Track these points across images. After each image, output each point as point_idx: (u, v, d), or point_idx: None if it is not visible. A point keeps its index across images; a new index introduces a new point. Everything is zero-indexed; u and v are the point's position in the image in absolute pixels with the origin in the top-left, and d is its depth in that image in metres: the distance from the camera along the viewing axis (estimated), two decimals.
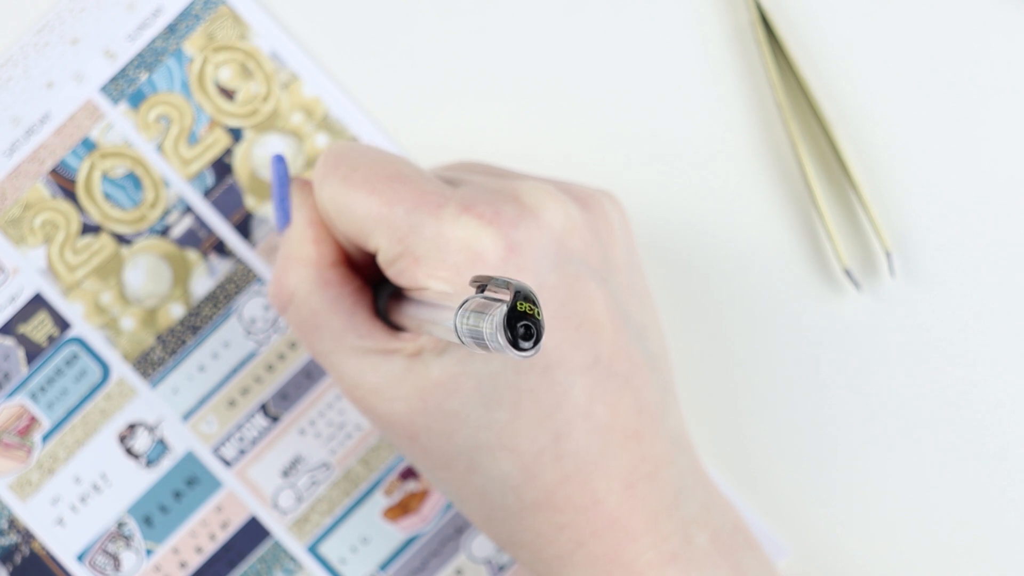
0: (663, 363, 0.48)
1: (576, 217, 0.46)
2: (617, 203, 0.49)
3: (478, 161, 0.51)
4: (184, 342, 0.55)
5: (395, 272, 0.46)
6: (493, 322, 0.35)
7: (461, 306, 0.36)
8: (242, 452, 0.55)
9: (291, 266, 0.48)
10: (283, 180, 0.50)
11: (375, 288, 0.50)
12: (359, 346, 0.47)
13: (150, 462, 0.55)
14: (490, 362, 0.45)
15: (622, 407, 0.46)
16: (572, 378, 0.45)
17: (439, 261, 0.45)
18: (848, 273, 0.54)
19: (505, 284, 0.36)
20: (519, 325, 0.35)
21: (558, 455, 0.46)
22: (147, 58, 0.55)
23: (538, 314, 0.35)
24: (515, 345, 0.35)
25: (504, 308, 0.35)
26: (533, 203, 0.46)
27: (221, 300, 0.55)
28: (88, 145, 0.55)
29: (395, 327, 0.48)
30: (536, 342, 0.35)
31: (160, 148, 0.55)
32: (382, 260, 0.47)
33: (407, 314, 0.45)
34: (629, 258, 0.48)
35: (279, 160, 0.50)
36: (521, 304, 0.35)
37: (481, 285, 0.37)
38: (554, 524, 0.46)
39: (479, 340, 0.36)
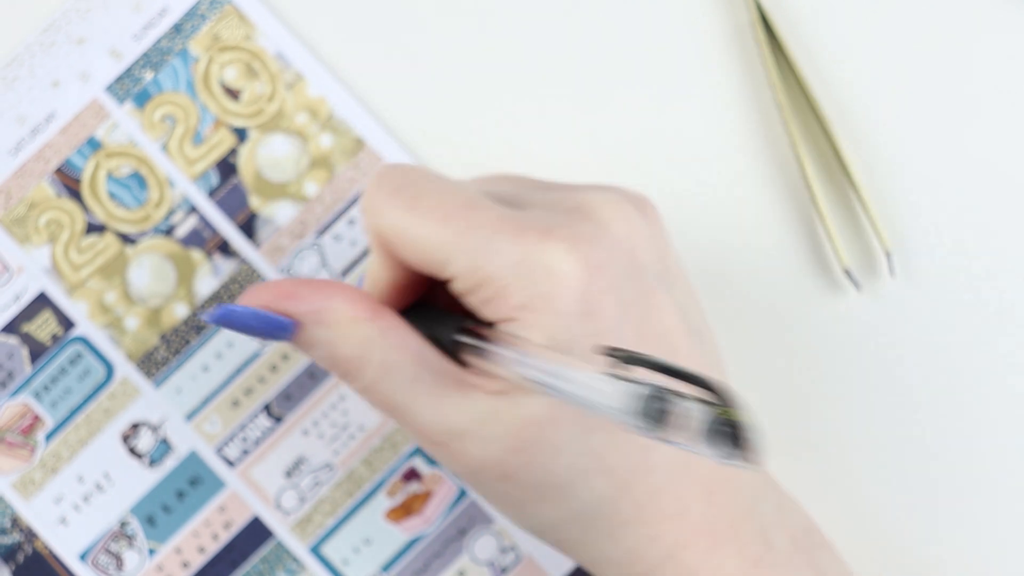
0: (719, 366, 0.48)
1: (640, 227, 0.46)
2: (655, 206, 0.48)
3: (511, 174, 0.51)
4: (188, 342, 0.55)
5: (478, 301, 0.45)
6: (696, 426, 0.34)
7: (628, 387, 0.36)
8: (245, 452, 0.54)
9: (353, 324, 0.46)
10: (266, 321, 0.47)
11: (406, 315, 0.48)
12: (435, 387, 0.45)
13: (153, 462, 0.54)
14: None
15: None
16: None
17: (524, 289, 0.44)
18: (848, 273, 0.54)
19: (683, 375, 0.36)
20: (721, 427, 0.34)
21: (649, 468, 0.45)
22: (153, 58, 0.55)
23: (734, 416, 0.34)
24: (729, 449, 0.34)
25: (708, 414, 0.34)
26: (605, 218, 0.45)
27: (225, 300, 0.55)
28: (93, 144, 0.55)
29: (458, 362, 0.46)
30: (749, 447, 0.34)
31: (165, 148, 0.55)
32: (459, 288, 0.45)
33: (501, 364, 0.43)
34: (678, 262, 0.48)
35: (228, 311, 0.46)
36: (723, 411, 0.34)
37: (621, 357, 0.37)
38: (645, 537, 0.45)
39: (651, 426, 0.35)
